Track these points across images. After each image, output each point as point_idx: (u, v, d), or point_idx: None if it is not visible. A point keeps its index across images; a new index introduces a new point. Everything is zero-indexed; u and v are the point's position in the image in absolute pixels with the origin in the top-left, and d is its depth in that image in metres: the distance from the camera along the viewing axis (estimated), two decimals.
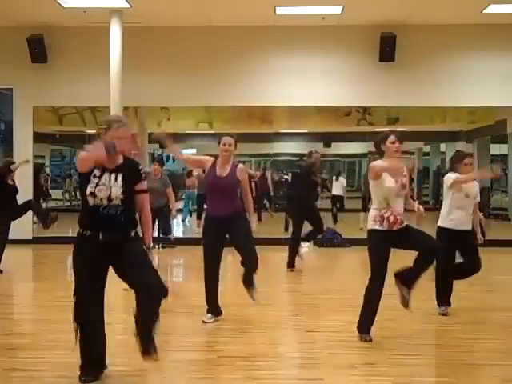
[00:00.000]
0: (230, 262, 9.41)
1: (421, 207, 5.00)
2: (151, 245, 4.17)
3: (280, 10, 10.42)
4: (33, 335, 5.21)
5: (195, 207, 14.96)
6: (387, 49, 10.99)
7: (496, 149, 17.05)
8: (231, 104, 12.03)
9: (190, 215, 16.03)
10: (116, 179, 3.88)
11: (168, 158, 22.82)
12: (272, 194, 16.51)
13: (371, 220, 4.84)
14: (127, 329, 4.76)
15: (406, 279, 4.89)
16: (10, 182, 8.35)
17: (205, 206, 7.75)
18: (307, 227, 8.82)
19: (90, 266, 3.89)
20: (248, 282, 5.61)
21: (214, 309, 5.67)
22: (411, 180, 13.38)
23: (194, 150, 23.39)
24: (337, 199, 14.72)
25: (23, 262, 9.76)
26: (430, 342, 5.03)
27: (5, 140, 11.73)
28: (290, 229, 9.42)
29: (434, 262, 5.10)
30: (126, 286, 3.92)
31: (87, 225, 3.92)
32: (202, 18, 10.84)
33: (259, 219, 16.49)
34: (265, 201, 16.73)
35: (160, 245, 11.11)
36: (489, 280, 7.72)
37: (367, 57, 11.27)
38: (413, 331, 5.25)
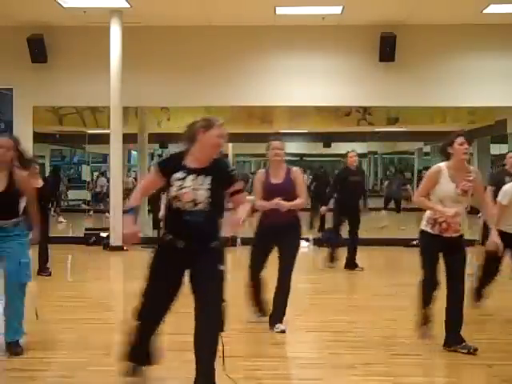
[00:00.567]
0: (231, 262, 9.43)
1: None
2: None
3: (280, 10, 10.42)
4: (33, 335, 5.20)
5: None
6: (387, 49, 10.98)
7: (496, 149, 17.07)
8: (231, 104, 12.02)
9: None
10: (203, 182, 3.59)
11: None
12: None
13: (424, 220, 4.75)
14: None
15: (454, 337, 4.69)
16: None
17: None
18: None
19: (165, 271, 3.70)
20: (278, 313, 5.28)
21: (263, 309, 5.51)
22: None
23: None
24: None
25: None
26: (430, 342, 5.02)
27: None
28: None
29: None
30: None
31: (169, 229, 3.71)
32: (202, 18, 10.84)
33: None
34: None
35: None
36: None
37: (367, 57, 11.26)
38: (413, 331, 5.25)
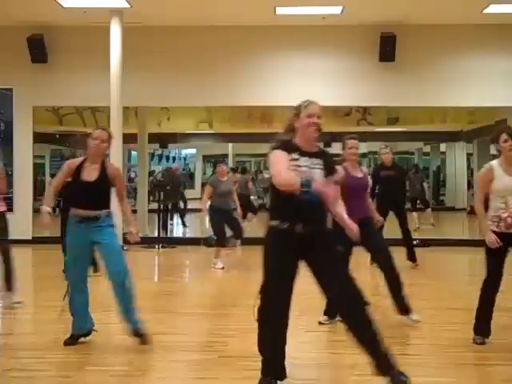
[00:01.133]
0: (230, 262, 9.43)
1: None
2: None
3: (280, 10, 10.42)
4: (33, 335, 5.21)
5: None
6: (387, 49, 10.99)
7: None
8: (231, 104, 12.04)
9: None
10: (317, 162, 3.68)
11: (168, 157, 22.88)
12: None
13: (488, 220, 4.71)
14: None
15: None
16: None
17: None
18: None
19: (284, 263, 3.64)
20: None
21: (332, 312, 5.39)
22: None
23: (194, 150, 23.46)
24: None
25: (23, 262, 9.77)
26: (430, 342, 5.02)
27: (5, 140, 11.73)
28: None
29: None
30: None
31: (283, 216, 3.62)
32: (202, 18, 10.84)
33: None
34: None
35: (160, 245, 11.12)
36: None
37: (367, 57, 11.26)
38: (413, 331, 5.25)
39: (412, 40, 11.13)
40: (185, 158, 23.69)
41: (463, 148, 18.22)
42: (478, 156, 17.35)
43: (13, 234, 8.32)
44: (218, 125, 15.19)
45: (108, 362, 4.47)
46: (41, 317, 5.88)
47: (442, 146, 20.28)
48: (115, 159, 10.94)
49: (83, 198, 4.62)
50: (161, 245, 11.10)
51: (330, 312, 5.34)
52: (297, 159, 3.61)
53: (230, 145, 20.81)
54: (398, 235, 8.65)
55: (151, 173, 17.64)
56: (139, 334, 4.72)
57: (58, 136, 16.83)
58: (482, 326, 4.84)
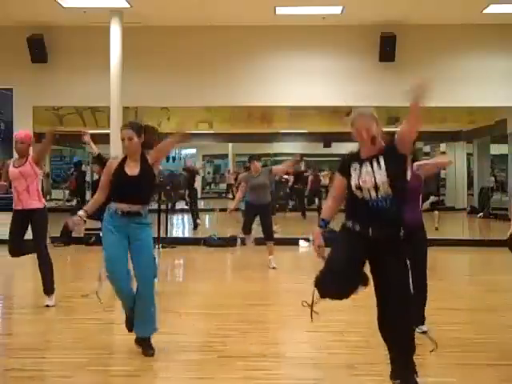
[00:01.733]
0: (230, 262, 9.43)
1: None
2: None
3: (280, 10, 10.42)
4: (33, 335, 5.21)
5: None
6: (387, 49, 10.99)
7: (496, 149, 17.06)
8: (231, 104, 12.03)
9: None
10: (379, 165, 3.68)
11: (168, 157, 22.85)
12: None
13: None
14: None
15: None
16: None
17: None
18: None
19: (350, 249, 3.67)
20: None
21: None
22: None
23: (193, 150, 23.46)
24: None
25: (23, 262, 9.77)
26: (430, 342, 5.02)
27: (5, 140, 11.73)
28: None
29: None
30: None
31: (356, 219, 3.70)
32: (202, 18, 10.83)
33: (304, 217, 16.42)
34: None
35: (160, 245, 11.11)
36: (489, 280, 7.71)
37: (367, 57, 11.26)
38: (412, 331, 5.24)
39: (412, 40, 11.13)
40: (185, 158, 23.69)
41: (463, 148, 18.24)
42: (478, 156, 17.38)
43: None
44: (218, 125, 15.18)
45: (108, 362, 4.47)
46: (41, 317, 5.88)
47: (442, 146, 20.27)
48: (115, 160, 10.99)
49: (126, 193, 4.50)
50: (161, 245, 11.09)
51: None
52: (359, 168, 3.76)
53: (230, 145, 20.81)
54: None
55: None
56: (146, 344, 4.61)
57: (57, 136, 16.81)
58: None
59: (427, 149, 21.18)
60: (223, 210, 15.75)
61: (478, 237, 13.69)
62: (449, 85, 11.28)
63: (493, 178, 17.31)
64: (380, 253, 3.68)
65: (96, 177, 9.88)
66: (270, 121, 14.55)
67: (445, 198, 20.06)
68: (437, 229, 13.50)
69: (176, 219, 15.28)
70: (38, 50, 11.19)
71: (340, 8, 10.28)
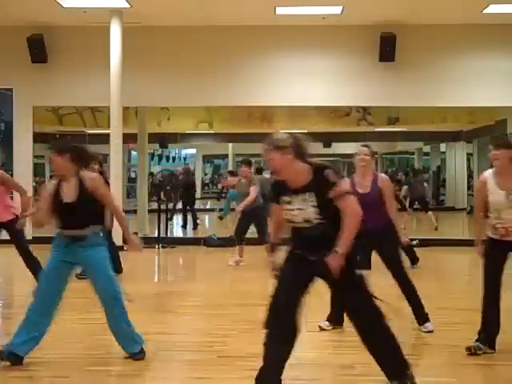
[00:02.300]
0: (229, 261, 9.42)
1: None
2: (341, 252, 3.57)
3: (280, 10, 10.42)
4: None
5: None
6: (387, 49, 10.98)
7: None
8: (231, 104, 12.03)
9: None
10: (306, 200, 3.60)
11: (168, 157, 22.87)
12: None
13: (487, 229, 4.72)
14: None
15: None
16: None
17: None
18: None
19: (294, 273, 3.73)
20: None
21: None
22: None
23: (194, 150, 23.46)
24: None
25: (23, 262, 9.77)
26: (430, 342, 5.02)
27: (5, 140, 11.74)
28: None
29: None
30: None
31: (294, 244, 3.74)
32: (202, 18, 10.83)
33: None
34: None
35: (160, 245, 11.12)
36: None
37: (367, 57, 11.26)
38: (412, 331, 5.25)
39: (412, 40, 11.12)
40: (185, 158, 23.69)
41: (463, 148, 18.23)
42: (478, 156, 17.36)
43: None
44: (218, 125, 15.19)
45: (107, 362, 4.47)
46: None
47: (442, 146, 20.28)
48: (115, 159, 11.00)
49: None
50: (161, 245, 11.09)
51: (332, 319, 5.33)
52: (289, 202, 3.68)
53: (230, 145, 20.80)
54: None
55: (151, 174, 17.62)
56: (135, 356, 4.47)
57: (57, 136, 16.82)
58: (485, 338, 4.70)
59: (427, 149, 21.21)
60: (222, 210, 15.77)
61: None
62: (449, 85, 11.30)
63: None
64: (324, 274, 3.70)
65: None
66: (270, 121, 14.55)
67: (445, 198, 20.08)
68: (436, 228, 13.50)
69: (176, 219, 15.27)
70: (37, 49, 11.18)
71: (340, 8, 10.27)
